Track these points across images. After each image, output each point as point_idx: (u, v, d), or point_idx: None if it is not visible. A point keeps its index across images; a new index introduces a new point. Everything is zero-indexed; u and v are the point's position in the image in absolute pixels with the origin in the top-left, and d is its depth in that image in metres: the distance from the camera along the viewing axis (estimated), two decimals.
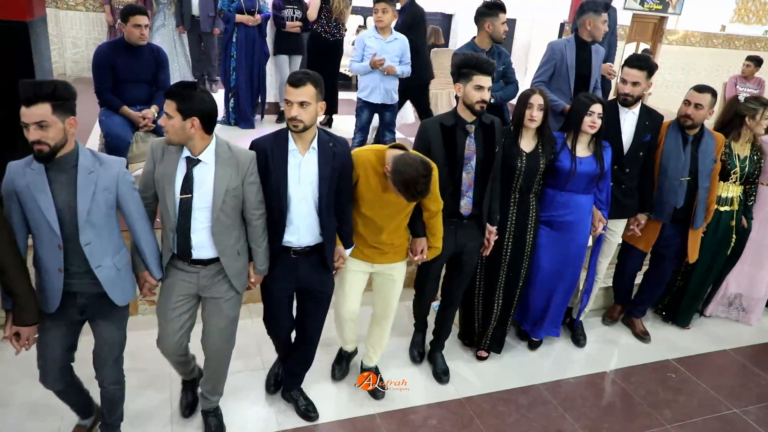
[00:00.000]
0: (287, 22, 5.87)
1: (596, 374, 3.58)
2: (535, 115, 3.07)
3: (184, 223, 2.35)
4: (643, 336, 3.97)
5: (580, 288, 3.80)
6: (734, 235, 3.90)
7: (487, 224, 3.13)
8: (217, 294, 2.51)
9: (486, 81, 2.85)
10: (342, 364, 3.31)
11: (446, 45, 9.07)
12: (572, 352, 3.77)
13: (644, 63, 3.32)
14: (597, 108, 3.14)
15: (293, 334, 2.95)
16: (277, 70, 6.27)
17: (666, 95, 11.26)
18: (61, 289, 2.20)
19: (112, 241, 2.27)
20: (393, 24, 4.63)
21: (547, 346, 3.77)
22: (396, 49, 4.60)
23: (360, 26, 8.20)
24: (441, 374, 3.35)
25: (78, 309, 2.30)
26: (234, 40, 5.74)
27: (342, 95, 6.38)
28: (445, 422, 3.04)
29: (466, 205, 2.99)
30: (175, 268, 2.48)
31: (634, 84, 3.33)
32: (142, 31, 3.79)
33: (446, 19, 9.37)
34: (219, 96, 6.69)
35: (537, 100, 3.07)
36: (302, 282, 2.70)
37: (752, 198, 3.93)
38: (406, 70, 4.66)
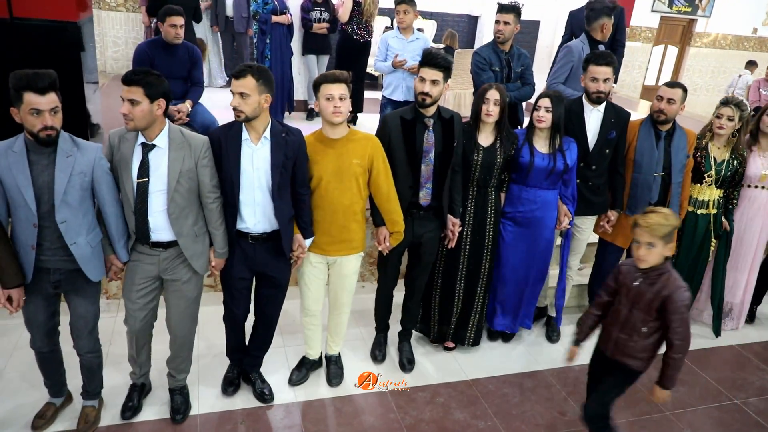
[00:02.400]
0: (314, 24, 6.13)
1: None
2: (491, 110, 3.12)
3: (142, 206, 2.46)
4: None
5: (550, 285, 3.87)
6: (714, 240, 3.91)
7: (450, 216, 3.18)
8: (177, 276, 2.62)
9: (428, 74, 2.89)
10: (302, 370, 3.25)
11: (472, 47, 9.22)
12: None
13: (611, 59, 3.38)
14: (493, 94, 3.13)
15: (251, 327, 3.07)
16: (305, 69, 6.54)
17: (694, 99, 11.16)
18: (33, 263, 2.35)
19: (86, 220, 2.40)
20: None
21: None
22: (417, 48, 4.78)
23: (387, 27, 8.39)
24: (405, 363, 3.42)
25: (52, 284, 2.45)
26: (268, 41, 5.99)
27: (368, 94, 6.60)
28: (451, 400, 3.22)
29: (424, 196, 3.06)
30: (137, 251, 2.59)
31: (605, 80, 3.38)
32: (177, 31, 4.08)
33: (472, 21, 9.51)
34: None
35: (493, 95, 3.11)
36: (260, 267, 2.80)
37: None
38: None
